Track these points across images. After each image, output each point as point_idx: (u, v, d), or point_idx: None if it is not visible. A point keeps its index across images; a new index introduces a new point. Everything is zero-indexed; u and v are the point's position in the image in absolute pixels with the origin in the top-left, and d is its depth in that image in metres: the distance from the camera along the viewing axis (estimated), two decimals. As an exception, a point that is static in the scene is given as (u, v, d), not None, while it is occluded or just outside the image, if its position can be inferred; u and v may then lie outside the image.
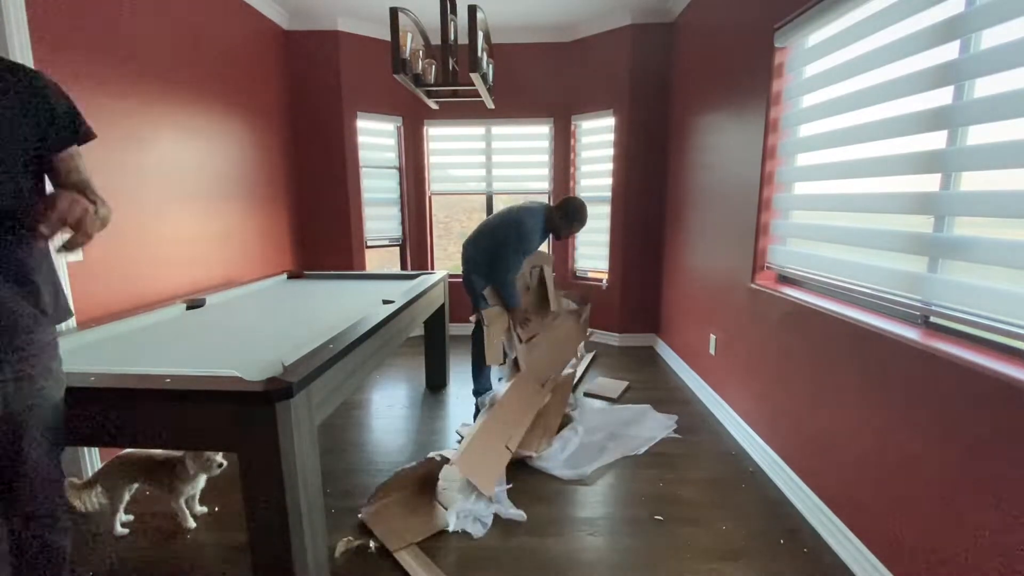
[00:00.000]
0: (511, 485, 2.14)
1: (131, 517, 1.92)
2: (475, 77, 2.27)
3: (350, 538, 1.80)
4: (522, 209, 2.65)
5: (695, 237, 3.30)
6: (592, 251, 4.46)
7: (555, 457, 2.35)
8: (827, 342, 1.83)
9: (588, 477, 2.21)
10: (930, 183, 1.49)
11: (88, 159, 1.13)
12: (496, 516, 1.94)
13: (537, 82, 4.26)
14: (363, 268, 4.22)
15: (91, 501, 1.71)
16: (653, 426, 2.68)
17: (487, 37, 2.51)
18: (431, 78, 2.54)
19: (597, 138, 4.24)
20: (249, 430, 1.30)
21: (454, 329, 4.42)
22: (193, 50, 2.81)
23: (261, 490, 1.33)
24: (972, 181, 1.40)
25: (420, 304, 2.63)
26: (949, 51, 1.42)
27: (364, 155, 4.17)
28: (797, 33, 2.07)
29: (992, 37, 1.31)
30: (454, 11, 2.30)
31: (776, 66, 2.24)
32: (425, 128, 4.43)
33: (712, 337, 2.94)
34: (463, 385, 3.36)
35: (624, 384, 3.29)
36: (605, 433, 2.59)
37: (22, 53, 1.83)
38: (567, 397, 2.68)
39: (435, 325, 3.21)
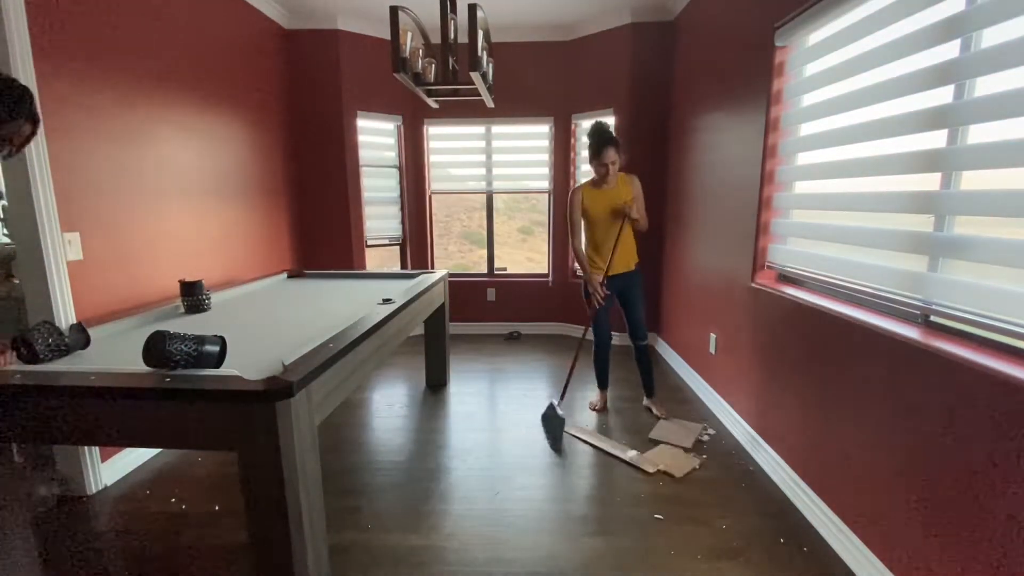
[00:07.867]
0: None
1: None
2: (475, 76, 2.27)
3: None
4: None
5: (695, 236, 3.29)
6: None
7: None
8: (827, 341, 1.83)
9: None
10: (930, 182, 1.49)
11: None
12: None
13: (537, 81, 4.25)
14: (363, 267, 4.22)
15: None
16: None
17: (487, 36, 2.50)
18: (431, 77, 2.54)
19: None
20: (249, 429, 1.30)
21: (454, 328, 4.43)
22: (193, 49, 2.80)
23: (261, 490, 1.33)
24: (972, 180, 1.39)
25: (420, 303, 2.63)
26: (950, 50, 1.42)
27: (364, 154, 4.16)
28: (797, 32, 2.07)
29: (993, 36, 1.31)
30: (454, 10, 2.30)
31: (776, 65, 2.23)
32: (425, 127, 4.42)
33: (712, 336, 2.94)
34: (463, 384, 3.37)
35: (699, 426, 2.69)
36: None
37: (22, 54, 1.83)
38: None
39: (435, 324, 3.21)
